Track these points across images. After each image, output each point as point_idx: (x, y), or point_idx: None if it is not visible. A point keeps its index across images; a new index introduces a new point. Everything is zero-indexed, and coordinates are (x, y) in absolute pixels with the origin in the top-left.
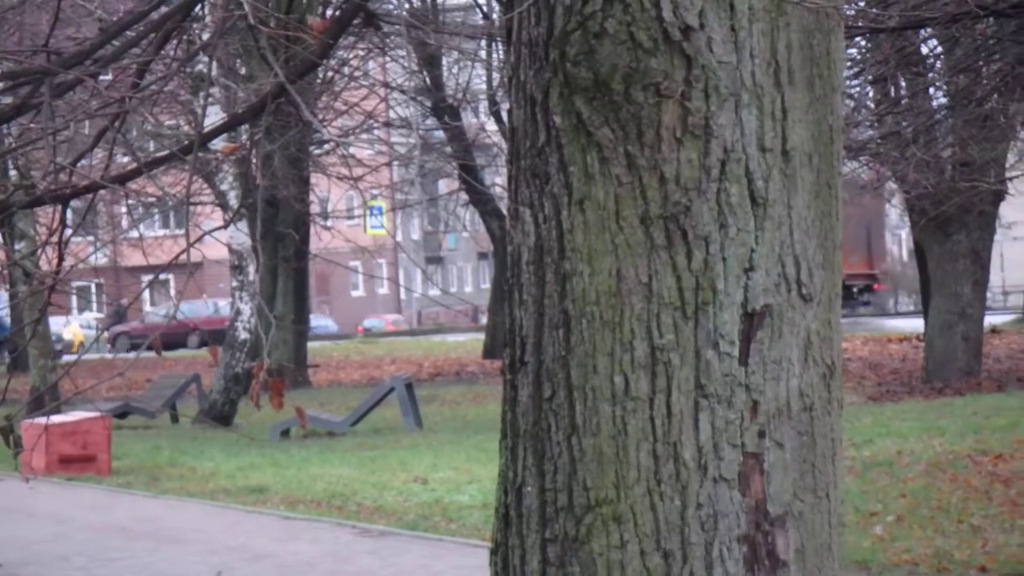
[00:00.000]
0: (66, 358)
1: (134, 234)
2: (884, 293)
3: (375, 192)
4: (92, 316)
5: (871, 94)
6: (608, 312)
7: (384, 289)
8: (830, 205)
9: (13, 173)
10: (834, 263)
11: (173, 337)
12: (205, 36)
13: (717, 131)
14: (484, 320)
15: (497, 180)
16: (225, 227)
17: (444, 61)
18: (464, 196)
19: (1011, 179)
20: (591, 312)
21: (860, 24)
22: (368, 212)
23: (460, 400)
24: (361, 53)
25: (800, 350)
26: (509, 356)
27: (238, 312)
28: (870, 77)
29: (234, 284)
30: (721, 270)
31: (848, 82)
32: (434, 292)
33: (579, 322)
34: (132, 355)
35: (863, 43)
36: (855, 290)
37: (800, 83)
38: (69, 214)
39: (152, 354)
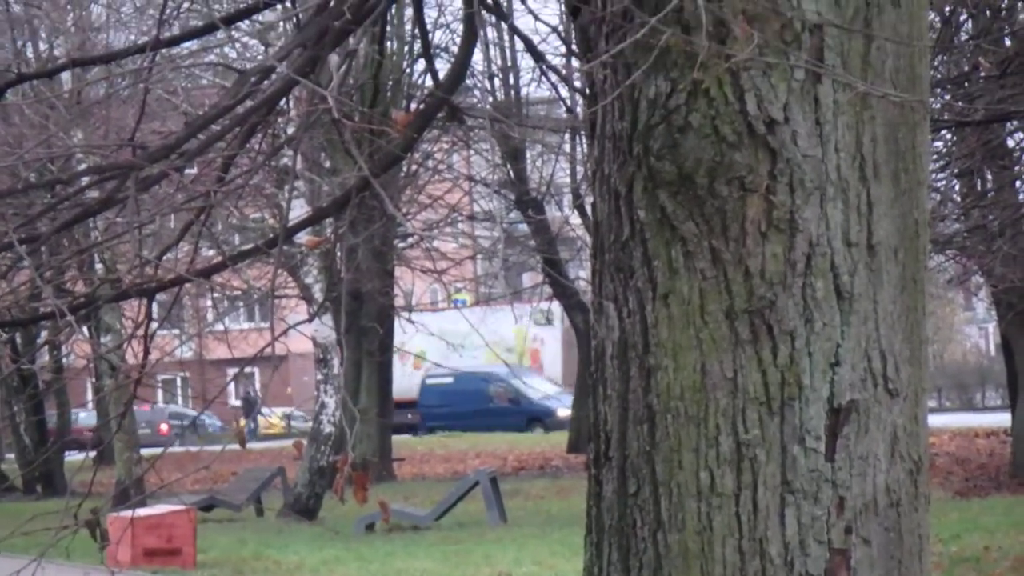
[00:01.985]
0: (150, 451)
1: (219, 327)
2: (972, 387)
3: (459, 285)
4: (282, 416)
5: (957, 187)
6: (693, 407)
7: None
8: (916, 299)
9: (100, 267)
10: (920, 358)
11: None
12: (290, 130)
13: (802, 225)
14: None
15: (581, 274)
16: (309, 321)
17: (528, 154)
18: (548, 289)
19: None
20: (676, 407)
21: (946, 117)
22: (452, 305)
23: (544, 494)
24: (445, 146)
25: (887, 445)
26: (593, 451)
27: (323, 405)
28: (956, 170)
29: (319, 377)
30: (807, 365)
31: (934, 175)
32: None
33: (664, 417)
34: (216, 448)
35: (949, 136)
36: None
37: (885, 177)
38: (155, 307)
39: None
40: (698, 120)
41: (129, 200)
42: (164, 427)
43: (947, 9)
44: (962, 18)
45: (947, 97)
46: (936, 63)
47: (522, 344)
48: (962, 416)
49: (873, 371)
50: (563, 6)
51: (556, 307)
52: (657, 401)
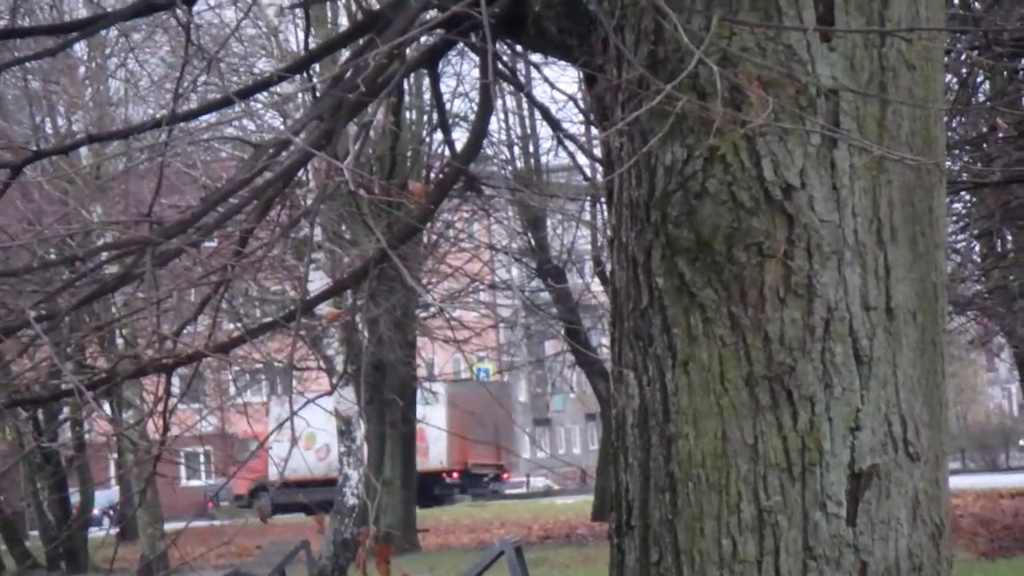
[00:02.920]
0: (173, 526)
1: (240, 400)
2: (995, 448)
3: (481, 355)
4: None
5: (977, 248)
6: (714, 474)
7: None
8: (935, 363)
9: (120, 342)
10: (940, 421)
11: None
12: (309, 200)
13: (820, 290)
14: (593, 482)
15: (603, 341)
16: (330, 393)
17: (548, 222)
18: (570, 357)
19: None
20: (697, 475)
21: (964, 178)
22: (474, 375)
23: (569, 563)
24: (465, 215)
25: (908, 510)
26: (616, 520)
27: (346, 477)
28: (975, 231)
29: (341, 449)
30: (827, 430)
31: (953, 236)
32: (542, 455)
33: (685, 485)
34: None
35: (968, 197)
36: (485, 478)
37: (903, 240)
38: (175, 382)
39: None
40: (715, 186)
41: (147, 276)
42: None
43: (964, 71)
44: (979, 79)
45: (965, 158)
46: (953, 125)
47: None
48: (986, 477)
49: (893, 435)
50: (579, 74)
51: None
52: (678, 469)
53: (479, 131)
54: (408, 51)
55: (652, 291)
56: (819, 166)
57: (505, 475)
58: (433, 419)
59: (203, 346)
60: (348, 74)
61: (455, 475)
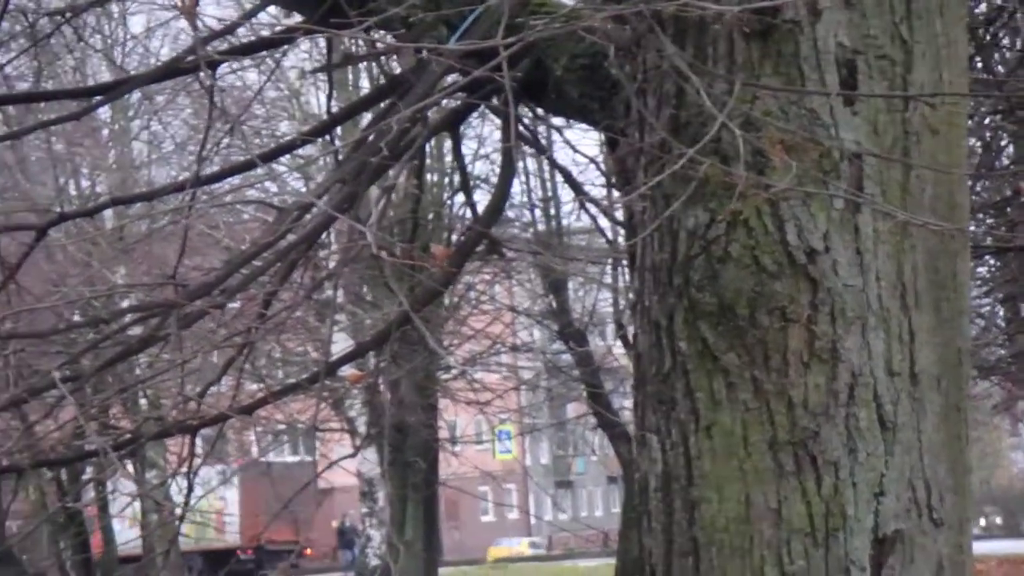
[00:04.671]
0: None
1: (263, 461)
2: (1019, 513)
3: (503, 417)
4: None
5: (1001, 313)
6: (738, 539)
7: (514, 514)
8: (959, 428)
9: (143, 403)
10: (964, 487)
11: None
12: (331, 263)
13: (844, 355)
14: (615, 544)
15: (625, 403)
16: (353, 455)
17: (570, 284)
18: (592, 420)
19: None
20: (720, 539)
21: (988, 242)
22: (496, 437)
23: None
24: (487, 277)
25: (932, 575)
26: None
27: (368, 539)
28: (1000, 296)
29: (364, 510)
30: (851, 495)
31: (977, 301)
32: (564, 517)
33: (708, 550)
34: None
35: (992, 261)
36: (283, 555)
37: (927, 306)
38: (199, 442)
39: None
40: (738, 250)
41: (171, 337)
42: None
43: (987, 135)
44: (1002, 143)
45: (989, 222)
46: (977, 188)
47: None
48: (1009, 543)
49: (918, 501)
50: (600, 137)
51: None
52: (701, 534)
53: (501, 194)
54: (429, 114)
55: (675, 355)
56: (843, 230)
57: (307, 551)
58: (229, 498)
59: (227, 407)
60: (370, 138)
61: (249, 552)
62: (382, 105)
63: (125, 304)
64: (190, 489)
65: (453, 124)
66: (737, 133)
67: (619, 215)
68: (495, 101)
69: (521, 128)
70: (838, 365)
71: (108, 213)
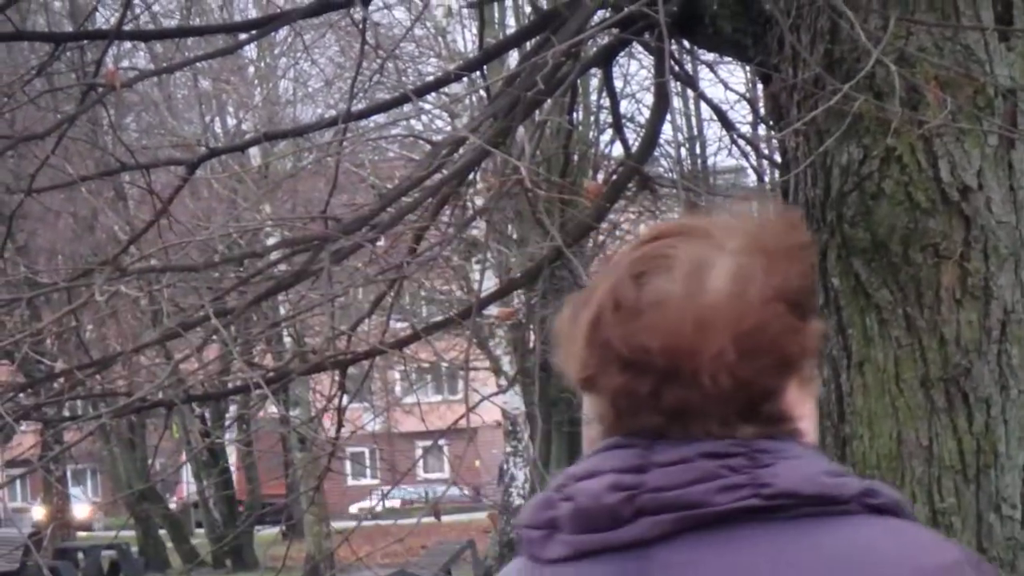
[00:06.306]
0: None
1: (409, 399)
2: None
3: None
4: None
5: None
6: (888, 476)
7: None
8: None
9: (288, 340)
10: None
11: None
12: (479, 201)
13: (997, 292)
14: None
15: None
16: (502, 392)
17: None
18: None
19: None
20: (871, 476)
21: None
22: None
23: None
24: (631, 216)
25: None
26: None
27: (512, 478)
28: None
29: (508, 449)
30: (1003, 433)
31: None
32: None
33: None
34: (412, 521)
35: None
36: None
37: None
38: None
39: (429, 519)
40: (891, 187)
41: (323, 272)
42: None
43: None
44: None
45: None
46: None
47: None
48: None
49: None
50: (747, 75)
51: None
52: (852, 470)
53: (654, 130)
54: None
55: (828, 291)
56: (996, 167)
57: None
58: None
59: (378, 342)
60: (524, 73)
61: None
62: (531, 42)
63: (271, 241)
64: (340, 425)
65: (606, 60)
66: (891, 69)
67: (767, 151)
68: (648, 37)
69: (673, 64)
70: (991, 302)
71: (253, 151)
